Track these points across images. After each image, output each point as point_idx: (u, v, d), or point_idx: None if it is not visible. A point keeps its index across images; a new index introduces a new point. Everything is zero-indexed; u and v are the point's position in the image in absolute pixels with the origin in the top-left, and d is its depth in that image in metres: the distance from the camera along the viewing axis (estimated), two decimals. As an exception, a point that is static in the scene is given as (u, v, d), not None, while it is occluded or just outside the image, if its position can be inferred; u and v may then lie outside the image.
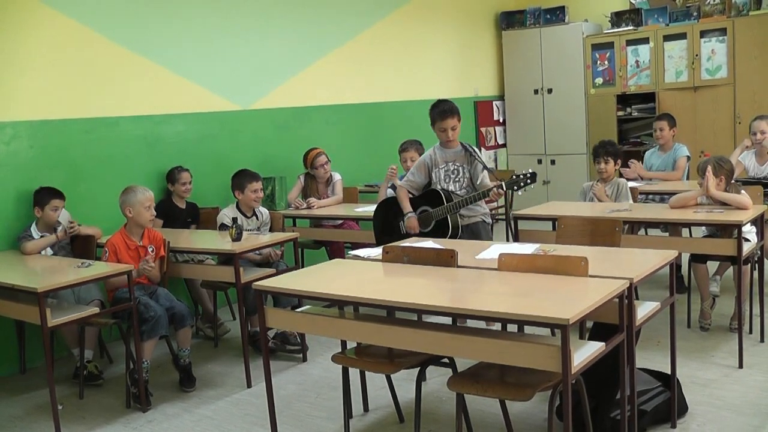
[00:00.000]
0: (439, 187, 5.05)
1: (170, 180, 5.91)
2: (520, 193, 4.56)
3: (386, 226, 5.30)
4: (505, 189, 4.58)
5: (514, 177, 4.51)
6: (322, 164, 6.37)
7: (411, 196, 5.18)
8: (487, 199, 4.85)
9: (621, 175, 6.13)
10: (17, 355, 5.20)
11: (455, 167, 5.04)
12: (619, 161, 5.68)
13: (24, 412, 4.52)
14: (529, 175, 4.49)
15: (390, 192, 6.39)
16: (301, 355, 5.07)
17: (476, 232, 5.00)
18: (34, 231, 5.02)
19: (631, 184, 5.93)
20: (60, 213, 5.03)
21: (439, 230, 4.95)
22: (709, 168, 4.78)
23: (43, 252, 4.97)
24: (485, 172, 4.91)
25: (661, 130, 6.58)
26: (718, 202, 4.80)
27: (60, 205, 5.03)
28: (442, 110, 4.99)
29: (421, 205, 5.10)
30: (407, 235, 4.94)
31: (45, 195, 5.02)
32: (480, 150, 7.66)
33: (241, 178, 5.49)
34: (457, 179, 5.03)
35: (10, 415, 4.47)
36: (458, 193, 4.98)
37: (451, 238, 4.83)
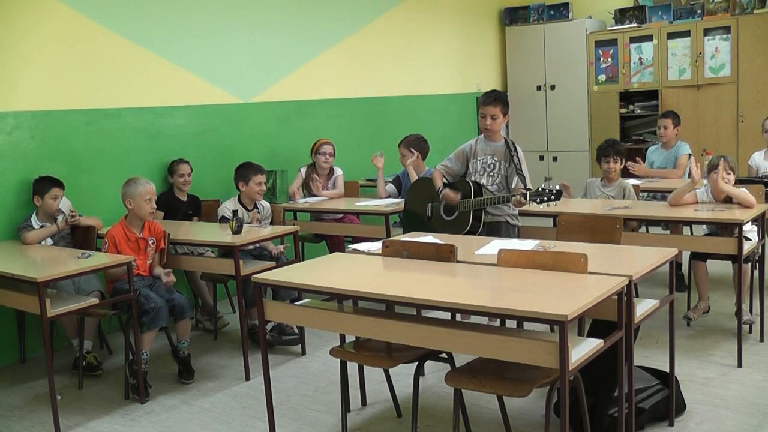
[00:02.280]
0: (471, 179, 5.03)
1: (170, 172, 5.92)
2: (541, 207, 4.49)
3: (416, 216, 5.32)
4: (527, 200, 4.52)
5: (539, 189, 4.46)
6: (325, 152, 6.39)
7: (445, 181, 5.15)
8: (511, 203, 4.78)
9: (625, 172, 6.11)
10: (17, 344, 5.21)
11: (493, 161, 4.98)
12: (624, 161, 5.68)
13: (23, 401, 4.53)
14: (554, 191, 4.41)
15: (391, 187, 6.41)
16: (299, 346, 5.08)
17: (496, 231, 4.91)
18: (35, 221, 5.02)
19: (632, 181, 5.93)
20: (60, 202, 5.03)
21: (462, 222, 4.95)
22: (721, 162, 4.77)
23: (43, 242, 4.98)
24: (518, 177, 4.83)
25: (665, 128, 6.56)
26: (720, 200, 4.79)
27: (60, 194, 5.04)
28: (485, 96, 4.99)
29: None
30: (436, 218, 5.03)
31: (44, 184, 5.03)
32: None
33: (246, 170, 5.50)
34: (491, 173, 4.97)
35: (9, 405, 4.48)
36: (489, 188, 4.94)
37: (468, 233, 4.81)
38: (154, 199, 4.80)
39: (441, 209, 5.10)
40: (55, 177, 5.09)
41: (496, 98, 4.95)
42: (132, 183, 4.75)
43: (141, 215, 4.73)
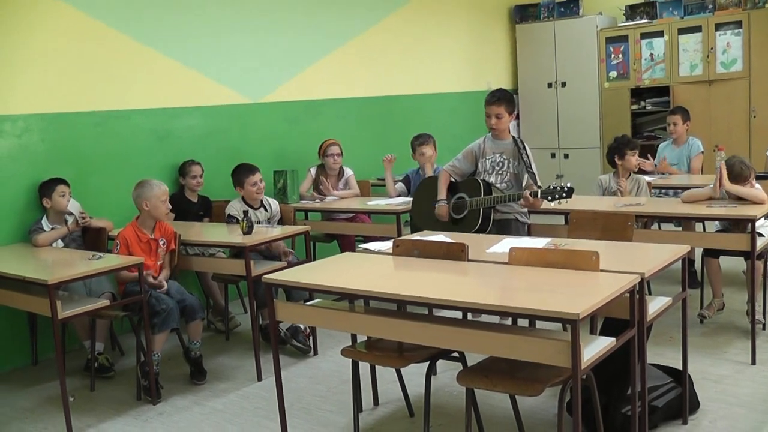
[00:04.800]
0: (480, 177, 5.01)
1: (182, 173, 5.92)
2: (552, 204, 4.47)
3: (423, 210, 5.30)
4: (538, 197, 4.50)
5: (551, 187, 4.44)
6: (333, 153, 6.39)
7: (453, 180, 5.14)
8: (520, 202, 4.72)
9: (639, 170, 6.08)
10: (29, 346, 5.22)
11: (501, 159, 4.96)
12: None
13: (35, 404, 4.54)
14: (566, 189, 4.39)
15: (401, 186, 6.39)
16: (309, 350, 5.08)
17: (506, 229, 4.88)
18: (45, 223, 5.04)
19: (645, 178, 5.89)
20: (68, 198, 5.04)
21: (472, 220, 4.93)
22: (723, 164, 4.74)
23: (54, 244, 4.99)
24: (527, 174, 4.80)
25: (674, 124, 6.52)
26: (733, 197, 4.76)
27: (66, 191, 5.05)
28: (490, 95, 4.97)
29: (460, 191, 5.06)
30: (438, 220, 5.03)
31: (49, 184, 5.06)
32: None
33: (238, 175, 5.47)
34: (500, 172, 4.95)
35: (21, 407, 4.49)
36: (498, 186, 4.92)
37: (478, 232, 4.79)
38: (168, 199, 4.82)
39: (450, 208, 5.08)
40: (58, 177, 5.11)
41: (500, 97, 4.94)
42: (147, 185, 4.74)
43: (157, 216, 4.74)
